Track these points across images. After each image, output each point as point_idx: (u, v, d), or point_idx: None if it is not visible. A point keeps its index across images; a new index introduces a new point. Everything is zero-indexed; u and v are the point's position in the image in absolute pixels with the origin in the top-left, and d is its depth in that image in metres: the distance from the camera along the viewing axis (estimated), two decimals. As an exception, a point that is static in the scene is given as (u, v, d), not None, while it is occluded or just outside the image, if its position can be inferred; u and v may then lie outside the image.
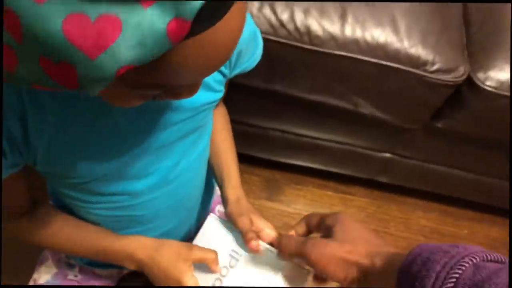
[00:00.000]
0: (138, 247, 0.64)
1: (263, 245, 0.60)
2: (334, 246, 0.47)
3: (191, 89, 0.43)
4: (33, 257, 0.84)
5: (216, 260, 0.60)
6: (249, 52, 0.64)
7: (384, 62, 0.86)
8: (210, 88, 0.59)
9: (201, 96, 0.57)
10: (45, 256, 0.87)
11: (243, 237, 0.62)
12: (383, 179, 1.31)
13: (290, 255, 0.54)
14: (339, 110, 0.99)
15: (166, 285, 0.61)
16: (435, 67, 0.86)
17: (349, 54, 0.86)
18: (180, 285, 0.59)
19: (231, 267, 0.61)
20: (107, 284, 0.87)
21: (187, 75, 0.35)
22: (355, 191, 1.40)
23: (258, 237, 0.63)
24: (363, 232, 0.49)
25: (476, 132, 1.01)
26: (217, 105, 0.77)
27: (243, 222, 0.64)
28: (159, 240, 0.64)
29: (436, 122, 1.00)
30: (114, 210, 0.65)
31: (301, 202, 1.36)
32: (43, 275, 0.83)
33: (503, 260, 0.36)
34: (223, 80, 0.62)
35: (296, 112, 1.06)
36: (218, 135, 0.77)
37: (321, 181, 1.40)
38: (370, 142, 1.14)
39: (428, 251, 0.37)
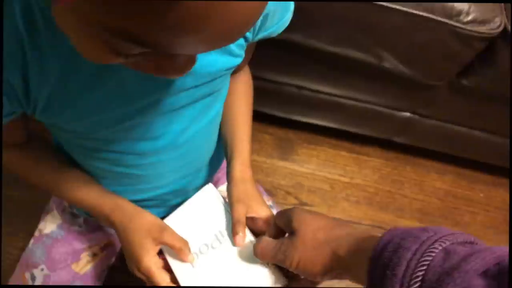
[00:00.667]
0: (116, 209, 0.60)
1: (249, 237, 0.57)
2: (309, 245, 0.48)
3: (184, 65, 0.34)
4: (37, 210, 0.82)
5: (184, 251, 0.56)
6: (277, 16, 0.57)
7: (415, 11, 0.80)
8: (228, 52, 0.53)
9: (219, 61, 0.53)
10: (50, 206, 0.85)
11: (232, 226, 0.59)
12: (400, 139, 1.27)
13: (267, 260, 0.53)
14: (361, 65, 0.94)
15: (129, 258, 0.58)
16: (469, 18, 0.80)
17: (378, 2, 0.80)
18: (140, 264, 0.56)
19: (213, 248, 0.57)
20: (111, 235, 0.85)
21: (189, 40, 0.26)
22: (370, 151, 1.36)
23: (251, 223, 0.60)
24: (322, 220, 0.50)
25: (504, 91, 0.96)
26: (240, 71, 0.72)
27: (238, 211, 0.60)
28: (137, 209, 0.60)
29: (463, 79, 0.95)
30: (118, 166, 0.63)
31: (314, 162, 1.32)
32: (48, 225, 0.82)
33: (474, 240, 0.37)
34: (244, 44, 0.56)
35: (314, 66, 1.01)
36: (236, 106, 0.72)
37: (335, 141, 1.36)
38: (391, 100, 1.09)
39: (398, 237, 0.37)
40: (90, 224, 0.84)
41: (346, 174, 1.32)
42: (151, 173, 0.65)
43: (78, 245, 0.82)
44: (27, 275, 0.73)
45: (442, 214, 1.31)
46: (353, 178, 1.32)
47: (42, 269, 0.73)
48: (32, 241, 0.78)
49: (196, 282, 0.54)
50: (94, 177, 0.69)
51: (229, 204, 0.62)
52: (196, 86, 0.53)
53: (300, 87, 1.09)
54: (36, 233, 0.79)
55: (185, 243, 0.56)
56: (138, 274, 0.57)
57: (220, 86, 0.59)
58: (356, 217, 1.26)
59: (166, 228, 0.57)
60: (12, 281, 0.75)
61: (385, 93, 1.07)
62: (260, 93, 1.16)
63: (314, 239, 0.47)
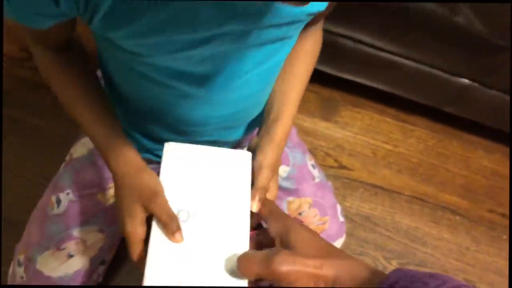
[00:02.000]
0: (119, 157, 0.54)
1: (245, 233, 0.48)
2: (303, 261, 0.41)
3: None
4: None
5: (169, 227, 0.46)
6: None
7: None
8: None
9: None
10: (81, 132, 0.82)
11: (253, 190, 0.50)
12: (451, 109, 1.20)
13: (253, 275, 0.44)
14: (430, 18, 0.87)
15: (117, 216, 0.52)
16: None
17: None
18: (122, 229, 0.50)
19: (204, 224, 0.47)
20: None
21: None
22: (417, 121, 1.30)
23: None
24: (320, 242, 0.44)
25: None
26: (314, 26, 0.66)
27: (266, 177, 0.52)
28: (140, 164, 0.53)
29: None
30: (162, 103, 0.59)
31: (358, 126, 1.27)
32: (79, 149, 0.79)
33: None
34: None
35: (377, 17, 0.94)
36: (298, 64, 0.66)
37: (381, 106, 1.30)
38: (453, 63, 1.02)
39: (406, 280, 0.35)
40: None
41: (389, 142, 1.26)
42: (195, 115, 0.61)
43: (107, 173, 0.79)
44: (53, 198, 0.70)
45: (486, 192, 1.25)
46: (396, 146, 1.26)
47: (67, 193, 0.70)
48: (63, 165, 0.76)
49: (165, 266, 0.44)
50: (132, 111, 0.65)
51: (256, 165, 0.54)
52: (272, 26, 0.49)
53: (356, 41, 1.02)
54: (67, 158, 0.76)
55: (173, 218, 0.46)
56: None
57: (292, 33, 0.55)
58: (397, 186, 1.21)
59: (157, 195, 0.48)
60: (39, 205, 0.72)
61: (448, 54, 0.99)
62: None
63: (322, 262, 0.41)
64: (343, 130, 1.26)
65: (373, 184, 1.20)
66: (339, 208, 0.96)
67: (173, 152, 0.51)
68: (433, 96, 1.17)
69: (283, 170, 0.89)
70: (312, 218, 0.90)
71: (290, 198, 0.88)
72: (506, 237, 1.20)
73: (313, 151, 1.21)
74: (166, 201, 0.48)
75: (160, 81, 0.55)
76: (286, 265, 0.40)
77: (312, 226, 0.90)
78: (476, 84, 1.07)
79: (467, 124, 1.27)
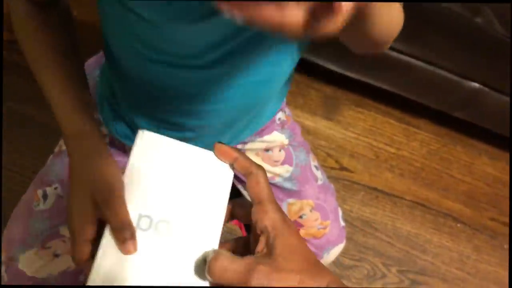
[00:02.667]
0: (78, 136, 0.47)
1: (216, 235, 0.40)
2: (285, 276, 0.36)
3: None
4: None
5: (120, 235, 0.38)
6: None
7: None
8: None
9: None
10: None
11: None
12: (459, 114, 1.16)
13: (226, 284, 0.38)
14: (450, 18, 0.83)
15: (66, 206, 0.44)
16: None
17: None
18: (68, 223, 0.44)
19: (166, 231, 0.39)
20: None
21: None
22: (421, 124, 1.26)
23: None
24: (307, 255, 0.39)
25: None
26: None
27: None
28: (102, 150, 0.46)
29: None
30: (163, 76, 0.54)
31: (360, 127, 1.22)
32: None
33: None
34: None
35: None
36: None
37: (385, 107, 1.25)
38: (465, 65, 0.98)
39: None
40: (116, 145, 0.75)
41: (392, 144, 1.22)
42: (201, 93, 0.57)
43: None
44: (39, 192, 0.65)
45: (489, 200, 1.22)
46: (399, 150, 1.22)
47: (55, 188, 0.65)
48: (51, 157, 0.70)
49: (117, 272, 0.37)
50: (134, 91, 0.60)
51: None
52: None
53: (367, 38, 0.98)
54: (56, 149, 0.70)
55: (126, 224, 0.38)
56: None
57: None
58: (398, 191, 1.17)
59: (113, 193, 0.40)
60: (23, 199, 0.66)
61: (461, 56, 0.95)
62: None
63: (304, 277, 0.37)
64: (345, 131, 1.21)
65: (375, 188, 1.16)
66: (340, 212, 0.92)
67: (147, 144, 0.41)
68: (441, 100, 1.13)
69: (286, 170, 0.84)
70: (313, 221, 0.86)
71: (291, 200, 0.84)
72: (507, 246, 1.17)
73: (314, 151, 1.17)
74: (122, 203, 0.39)
75: (170, 52, 0.50)
76: (265, 280, 0.36)
77: (312, 230, 0.85)
78: (486, 89, 1.03)
79: (473, 129, 1.24)
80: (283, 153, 0.84)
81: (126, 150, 0.76)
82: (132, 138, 0.71)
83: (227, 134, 0.71)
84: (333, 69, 1.11)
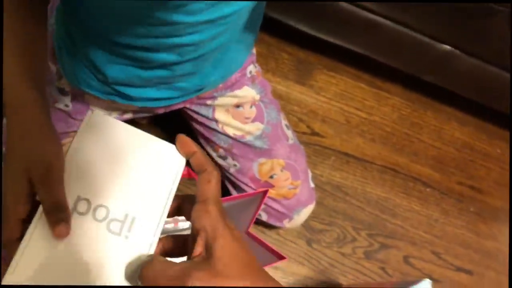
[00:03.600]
0: (20, 105, 0.42)
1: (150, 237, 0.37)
2: (224, 283, 0.34)
3: None
4: None
5: (53, 217, 0.35)
6: None
7: None
8: None
9: None
10: None
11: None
12: (430, 78, 1.15)
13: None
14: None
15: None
16: None
17: None
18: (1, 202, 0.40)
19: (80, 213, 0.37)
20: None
21: None
22: (392, 89, 1.25)
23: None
24: (248, 258, 0.36)
25: None
26: None
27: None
28: (46, 126, 0.42)
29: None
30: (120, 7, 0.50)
31: (332, 91, 1.21)
32: None
33: None
34: None
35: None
36: None
37: (356, 71, 1.24)
38: (437, 26, 0.96)
39: None
40: (79, 104, 0.71)
41: (363, 109, 1.21)
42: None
43: (61, 127, 0.70)
44: None
45: (457, 165, 1.23)
46: (370, 115, 1.21)
47: None
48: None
49: (44, 256, 0.34)
50: (91, 27, 0.56)
51: None
52: None
53: (338, -3, 0.95)
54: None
55: (61, 206, 0.36)
56: None
57: None
58: (369, 156, 1.17)
59: (51, 171, 0.37)
60: None
61: (432, 17, 0.94)
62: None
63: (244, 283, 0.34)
64: (317, 95, 1.19)
65: (345, 153, 1.16)
66: (310, 173, 0.91)
67: (95, 124, 0.38)
68: (412, 63, 1.12)
69: (257, 128, 0.82)
70: (283, 181, 0.85)
71: (262, 160, 0.82)
72: (473, 209, 1.20)
73: (286, 116, 1.15)
74: (60, 183, 0.36)
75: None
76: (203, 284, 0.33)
77: (283, 191, 0.85)
78: (457, 51, 1.02)
79: (443, 94, 1.24)
80: (254, 109, 0.82)
81: (90, 106, 0.73)
82: (95, 87, 0.67)
83: (196, 76, 0.68)
84: (304, 30, 1.08)
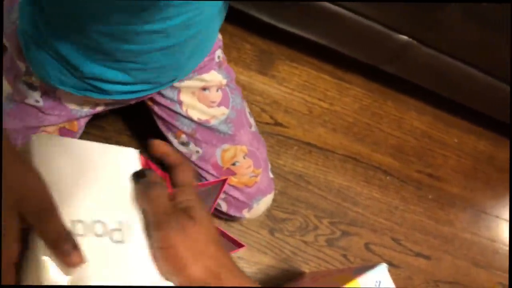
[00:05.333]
0: None
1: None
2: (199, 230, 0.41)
3: None
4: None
5: (60, 246, 0.33)
6: None
7: None
8: None
9: None
10: None
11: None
12: (389, 68, 1.18)
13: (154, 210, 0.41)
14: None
15: None
16: None
17: None
18: None
19: (111, 239, 0.38)
20: (73, 115, 0.72)
21: None
22: (353, 79, 1.27)
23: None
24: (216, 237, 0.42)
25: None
26: None
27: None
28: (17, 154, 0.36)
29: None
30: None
31: (295, 82, 1.21)
32: None
33: None
34: None
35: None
36: None
37: (318, 62, 1.25)
38: (393, 16, 0.98)
39: None
40: (50, 100, 0.69)
41: (325, 99, 1.23)
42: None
43: (32, 122, 0.68)
44: None
45: (416, 153, 1.27)
46: (332, 105, 1.23)
47: None
48: None
49: None
50: (57, 17, 0.55)
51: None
52: None
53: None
54: None
55: (68, 235, 0.33)
56: None
57: None
58: (331, 145, 1.18)
59: (44, 205, 0.33)
60: None
61: (390, 6, 0.96)
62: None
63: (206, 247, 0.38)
64: (280, 86, 1.20)
65: (308, 143, 1.17)
66: (269, 165, 0.93)
67: (43, 147, 0.37)
68: (371, 53, 1.14)
69: (222, 113, 0.83)
70: (245, 169, 0.85)
71: (225, 146, 0.83)
72: (431, 196, 1.23)
73: (248, 106, 1.15)
74: (57, 212, 0.33)
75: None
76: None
77: (244, 179, 0.85)
78: (414, 42, 1.05)
79: (402, 84, 1.27)
80: (220, 93, 0.82)
81: (61, 101, 0.71)
82: (68, 83, 0.65)
83: (172, 68, 0.67)
84: (266, 20, 1.08)
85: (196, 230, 0.38)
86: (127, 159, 0.42)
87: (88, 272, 0.34)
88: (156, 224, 0.38)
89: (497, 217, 1.29)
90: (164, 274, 0.37)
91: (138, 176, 0.40)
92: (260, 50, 1.21)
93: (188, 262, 0.36)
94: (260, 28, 1.17)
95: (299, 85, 1.22)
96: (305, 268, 1.06)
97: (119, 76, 0.64)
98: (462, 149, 1.33)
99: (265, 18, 1.09)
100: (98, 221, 0.36)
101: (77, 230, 0.35)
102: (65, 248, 0.33)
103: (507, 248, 1.26)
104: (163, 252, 0.37)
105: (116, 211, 0.38)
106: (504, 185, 1.32)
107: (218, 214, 0.92)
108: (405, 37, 1.04)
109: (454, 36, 0.99)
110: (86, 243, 0.34)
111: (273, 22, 1.09)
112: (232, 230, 1.01)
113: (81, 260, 0.33)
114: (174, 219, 0.38)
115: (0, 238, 0.31)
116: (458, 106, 1.28)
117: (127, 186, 0.40)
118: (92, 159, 0.39)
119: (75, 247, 0.33)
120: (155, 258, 0.38)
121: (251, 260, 1.02)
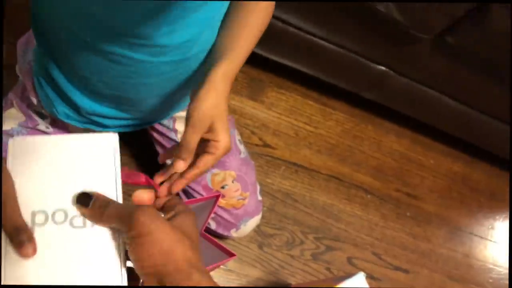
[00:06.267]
0: None
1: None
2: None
3: None
4: None
5: (17, 238, 0.36)
6: None
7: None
8: None
9: None
10: (9, 100, 0.77)
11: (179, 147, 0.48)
12: (368, 95, 1.28)
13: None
14: (359, 7, 0.92)
15: None
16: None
17: None
18: None
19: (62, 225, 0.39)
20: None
21: None
22: (337, 105, 1.37)
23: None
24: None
25: (486, 55, 0.98)
26: None
27: (192, 134, 0.50)
28: None
29: (448, 36, 0.96)
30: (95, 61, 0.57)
31: (282, 107, 1.31)
32: (8, 121, 0.74)
33: None
34: None
35: (306, 1, 0.98)
36: (251, 16, 0.65)
37: (304, 89, 1.35)
38: (371, 49, 1.09)
39: None
40: (59, 127, 0.77)
41: (311, 123, 1.32)
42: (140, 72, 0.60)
43: None
44: None
45: (395, 174, 1.36)
46: (317, 128, 1.32)
47: None
48: None
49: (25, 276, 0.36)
50: (64, 68, 0.62)
51: (187, 113, 0.51)
52: None
53: (286, 22, 1.06)
54: None
55: (22, 227, 0.36)
56: None
57: None
58: (316, 166, 1.27)
59: (7, 200, 0.37)
60: None
61: (367, 40, 1.06)
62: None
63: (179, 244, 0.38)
64: (268, 110, 1.29)
65: (294, 163, 1.26)
66: (258, 187, 0.99)
67: (20, 148, 0.40)
68: (352, 81, 1.24)
69: None
70: (234, 192, 0.92)
71: (215, 171, 0.90)
72: (409, 214, 1.32)
73: (239, 129, 1.24)
74: (15, 207, 0.37)
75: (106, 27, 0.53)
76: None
77: (232, 201, 0.92)
78: (391, 72, 1.15)
79: (381, 110, 1.37)
80: None
81: (70, 130, 0.78)
82: (72, 118, 0.73)
83: (168, 110, 0.74)
84: (256, 51, 1.18)
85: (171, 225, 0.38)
86: (105, 142, 0.42)
87: (46, 259, 0.37)
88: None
89: (471, 233, 1.38)
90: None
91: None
92: (251, 78, 1.30)
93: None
94: (250, 58, 1.27)
95: (286, 110, 1.31)
96: (292, 281, 1.13)
97: (119, 114, 0.72)
98: (438, 170, 1.42)
99: (256, 50, 1.18)
100: (60, 210, 0.38)
101: (38, 220, 0.38)
102: (19, 239, 0.35)
103: (480, 263, 1.35)
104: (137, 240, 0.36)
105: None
106: (477, 204, 1.42)
107: (208, 232, 0.99)
108: (382, 67, 1.15)
109: (425, 67, 1.10)
110: (46, 232, 0.37)
111: (263, 53, 1.19)
112: (223, 244, 1.08)
113: (32, 253, 0.36)
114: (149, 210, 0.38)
115: None
116: (435, 130, 1.38)
117: (101, 169, 0.41)
118: (65, 151, 0.41)
119: (28, 239, 0.36)
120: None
121: (241, 273, 1.09)
